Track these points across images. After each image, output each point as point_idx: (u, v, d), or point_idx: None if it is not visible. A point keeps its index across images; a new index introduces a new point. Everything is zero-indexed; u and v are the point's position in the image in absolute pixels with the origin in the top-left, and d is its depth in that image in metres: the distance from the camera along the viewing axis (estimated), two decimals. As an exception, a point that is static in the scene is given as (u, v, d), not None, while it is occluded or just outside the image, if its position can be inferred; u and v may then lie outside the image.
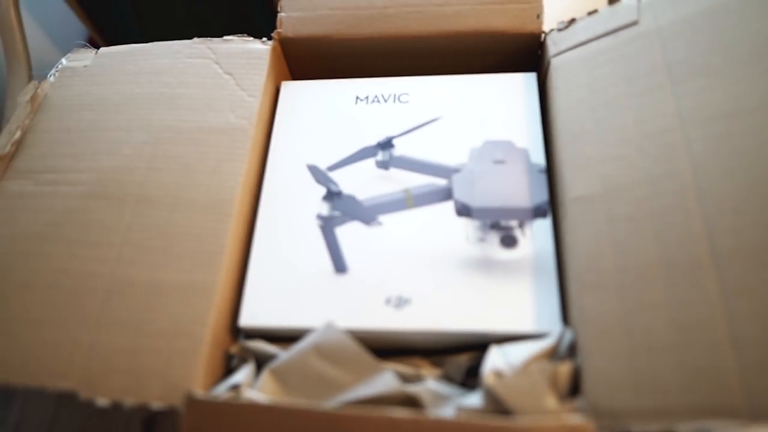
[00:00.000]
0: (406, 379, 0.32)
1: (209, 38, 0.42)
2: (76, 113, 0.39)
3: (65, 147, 0.38)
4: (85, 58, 0.43)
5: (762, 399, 0.24)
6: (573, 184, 0.33)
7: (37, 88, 0.41)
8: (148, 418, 0.44)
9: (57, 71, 0.42)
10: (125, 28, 0.79)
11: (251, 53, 0.41)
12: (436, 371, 0.33)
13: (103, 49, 0.43)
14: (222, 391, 0.31)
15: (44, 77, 0.43)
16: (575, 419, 0.26)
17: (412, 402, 0.30)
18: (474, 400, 0.29)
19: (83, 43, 0.44)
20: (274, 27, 0.43)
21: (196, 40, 0.42)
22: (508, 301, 0.32)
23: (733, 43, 0.31)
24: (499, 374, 0.29)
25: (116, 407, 0.30)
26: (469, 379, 0.33)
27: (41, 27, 0.83)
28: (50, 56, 0.81)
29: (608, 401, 0.27)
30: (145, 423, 0.44)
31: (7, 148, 0.38)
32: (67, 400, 0.46)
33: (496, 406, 0.28)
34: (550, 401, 0.28)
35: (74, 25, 0.88)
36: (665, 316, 0.27)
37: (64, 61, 0.43)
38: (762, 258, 0.26)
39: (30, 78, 0.59)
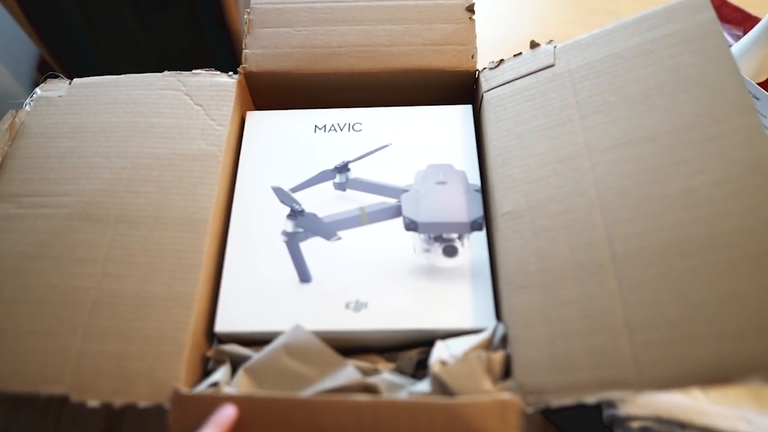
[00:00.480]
0: (365, 372, 0.37)
1: (179, 71, 0.46)
2: (54, 141, 0.42)
3: (46, 172, 0.41)
4: (58, 88, 0.46)
5: (648, 371, 0.30)
6: (503, 202, 0.39)
7: (14, 117, 0.43)
8: (111, 415, 0.46)
9: (32, 100, 0.45)
10: (82, 52, 0.81)
11: (219, 86, 0.45)
12: (391, 365, 0.38)
13: (76, 81, 0.46)
14: (202, 389, 0.35)
15: (2, 103, 0.45)
16: (506, 396, 0.32)
17: (371, 391, 0.35)
18: (423, 386, 0.34)
19: (54, 73, 0.47)
20: (230, 56, 0.47)
21: (166, 73, 0.46)
22: (450, 302, 0.38)
23: (626, 85, 0.38)
24: (443, 363, 0.34)
25: (104, 407, 0.33)
26: (419, 371, 0.38)
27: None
28: (3, 80, 0.81)
29: (532, 381, 0.33)
30: (108, 419, 0.46)
31: (-11, 174, 0.40)
32: (20, 403, 0.47)
33: (442, 389, 0.33)
34: (487, 383, 0.33)
35: (25, 45, 0.89)
36: (576, 308, 0.33)
37: (38, 90, 0.46)
38: (649, 259, 0.33)
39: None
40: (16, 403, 0.47)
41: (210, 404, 0.32)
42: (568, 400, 0.31)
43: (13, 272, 0.37)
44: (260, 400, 0.31)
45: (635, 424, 0.37)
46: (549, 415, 0.43)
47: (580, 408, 0.32)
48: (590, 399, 0.31)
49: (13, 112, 0.44)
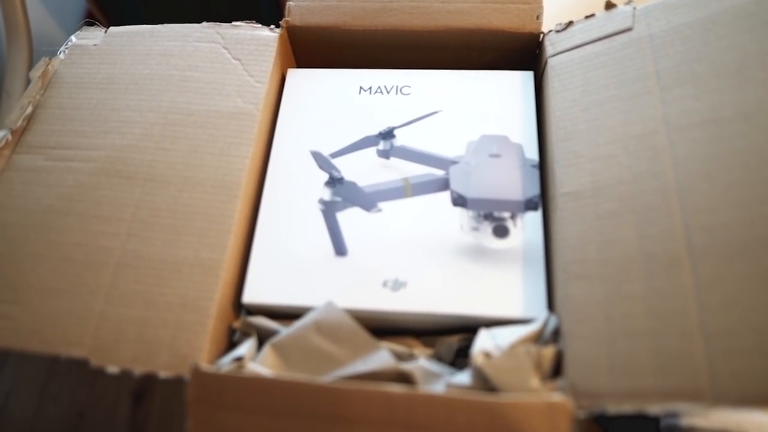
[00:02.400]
0: (399, 357, 0.34)
1: (218, 23, 0.43)
2: (86, 91, 0.40)
3: (76, 124, 0.39)
4: (94, 36, 0.44)
5: (725, 384, 0.26)
6: (564, 180, 0.35)
7: (47, 65, 0.42)
8: (136, 391, 0.46)
9: (67, 48, 0.43)
10: (126, 5, 0.79)
11: (259, 40, 0.42)
12: (428, 351, 0.35)
13: (112, 29, 0.44)
14: (226, 363, 0.32)
15: (43, 51, 0.43)
16: (556, 397, 0.28)
17: (405, 379, 0.32)
18: (463, 378, 0.31)
19: (91, 21, 0.45)
20: (276, 12, 0.44)
21: (205, 24, 0.43)
22: (497, 287, 0.34)
23: (719, 54, 0.33)
24: (487, 355, 0.31)
25: (101, 378, 0.32)
26: (459, 359, 0.35)
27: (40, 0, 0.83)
28: (49, 30, 0.80)
29: (586, 383, 0.29)
30: (134, 395, 0.46)
31: (19, 123, 0.39)
32: (56, 372, 0.47)
33: (484, 384, 0.30)
34: (534, 381, 0.30)
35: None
36: (642, 305, 0.30)
37: (73, 38, 0.44)
38: (732, 255, 0.28)
39: (30, 51, 0.60)
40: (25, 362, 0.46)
41: (229, 384, 0.29)
42: (627, 408, 0.28)
43: (38, 227, 0.35)
44: (282, 384, 0.29)
45: (697, 437, 0.33)
46: (599, 419, 0.40)
47: (637, 414, 0.29)
48: (654, 409, 0.27)
49: (47, 59, 0.42)
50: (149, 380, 0.44)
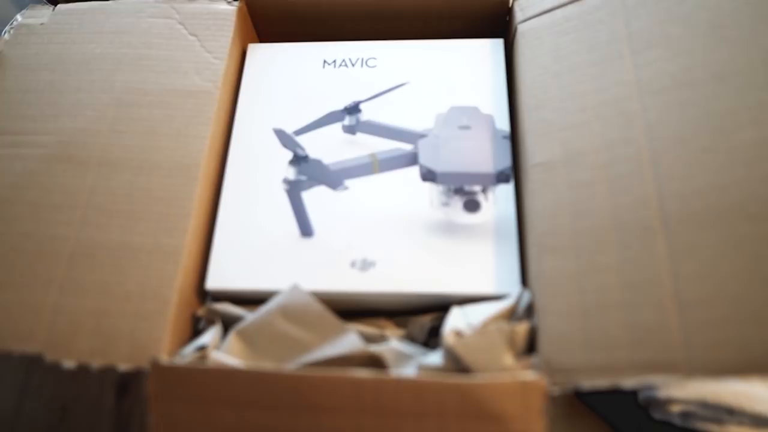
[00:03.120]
0: (370, 339, 0.33)
1: (173, -3, 0.41)
2: (34, 73, 0.38)
3: (24, 108, 0.37)
4: (41, 15, 0.41)
5: (700, 354, 0.26)
6: (535, 151, 0.34)
7: (-8, 46, 0.39)
8: (120, 383, 0.44)
9: (12, 28, 0.41)
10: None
11: (217, 14, 0.40)
12: (400, 331, 0.34)
13: (60, 6, 0.41)
14: (189, 352, 0.31)
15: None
16: (529, 376, 0.28)
17: (375, 362, 0.31)
18: (435, 358, 0.30)
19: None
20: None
21: (159, -2, 0.41)
22: (469, 264, 0.33)
23: (692, 13, 0.32)
24: (459, 334, 0.30)
25: (84, 370, 0.30)
26: (432, 339, 0.34)
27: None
28: (5, 10, 0.77)
29: (560, 358, 0.28)
30: (118, 387, 0.44)
31: (-37, 109, 0.37)
32: (37, 366, 0.46)
33: (456, 364, 0.29)
34: (507, 359, 0.29)
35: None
36: (616, 277, 0.29)
37: (19, 17, 0.41)
38: (707, 222, 0.27)
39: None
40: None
41: (192, 376, 0.28)
42: (602, 382, 0.27)
43: (-16, 218, 0.33)
44: (246, 374, 0.28)
45: (676, 408, 0.32)
46: (580, 393, 0.39)
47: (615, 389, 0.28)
48: (629, 382, 0.26)
49: (-10, 40, 0.40)
50: (133, 371, 0.43)
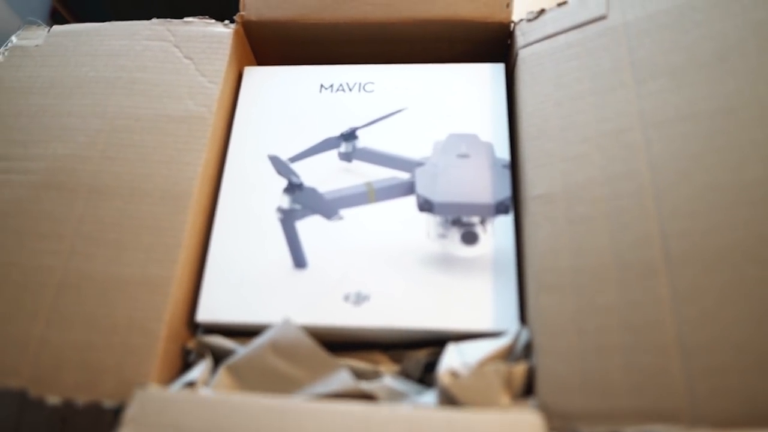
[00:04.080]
0: (363, 375, 0.32)
1: (168, 19, 0.40)
2: (26, 97, 0.38)
3: (14, 133, 0.36)
4: (36, 36, 0.41)
5: (704, 404, 0.25)
6: (535, 182, 0.33)
7: (-15, 69, 0.39)
8: None
9: (6, 50, 0.40)
10: (93, 1, 0.76)
11: (212, 37, 0.39)
12: (395, 366, 0.33)
13: (55, 28, 0.41)
14: (177, 388, 0.30)
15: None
16: (527, 415, 0.26)
17: (367, 399, 0.30)
18: (429, 398, 0.30)
19: (34, 20, 0.42)
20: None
21: (154, 21, 0.40)
22: (467, 299, 0.32)
23: (696, 43, 0.31)
24: (454, 374, 0.29)
25: (68, 405, 0.29)
26: (428, 374, 0.33)
27: (0, -6, 0.80)
28: (12, 27, 0.77)
29: (559, 402, 0.27)
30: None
31: (-46, 133, 0.36)
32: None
33: (451, 405, 0.28)
34: (504, 401, 0.28)
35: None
36: (616, 318, 0.28)
37: (14, 39, 0.41)
38: (713, 263, 0.26)
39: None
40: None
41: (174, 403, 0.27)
42: (601, 430, 0.26)
43: (-30, 247, 0.33)
44: (230, 403, 0.27)
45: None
46: None
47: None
48: (629, 431, 0.25)
49: (-16, 62, 0.39)
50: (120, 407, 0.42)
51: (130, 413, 0.27)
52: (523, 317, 0.32)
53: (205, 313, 0.33)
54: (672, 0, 0.32)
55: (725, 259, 0.26)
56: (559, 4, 0.37)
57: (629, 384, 0.26)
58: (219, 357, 0.33)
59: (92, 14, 0.78)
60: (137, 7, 0.76)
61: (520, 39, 0.38)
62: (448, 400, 0.28)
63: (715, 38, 0.30)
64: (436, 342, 0.33)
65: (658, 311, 0.27)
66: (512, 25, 0.39)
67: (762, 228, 0.26)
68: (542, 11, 0.38)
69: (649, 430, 0.25)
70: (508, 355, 0.30)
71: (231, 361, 0.31)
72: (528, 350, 0.30)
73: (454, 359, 0.30)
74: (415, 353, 0.33)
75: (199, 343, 0.33)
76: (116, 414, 0.37)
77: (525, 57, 0.37)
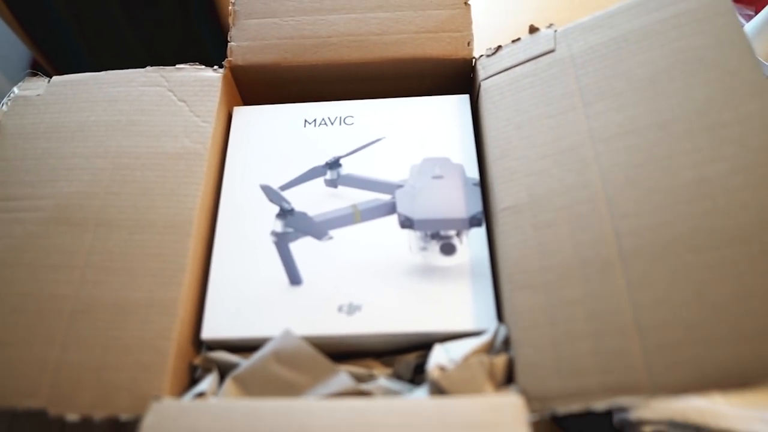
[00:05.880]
0: (359, 379, 0.35)
1: (162, 67, 0.44)
2: (31, 141, 0.40)
3: (22, 175, 0.39)
4: (37, 86, 0.44)
5: (661, 375, 0.28)
6: (502, 196, 0.37)
7: (-10, 118, 0.42)
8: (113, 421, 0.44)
9: (9, 100, 0.43)
10: (73, 53, 0.79)
11: (203, 81, 0.43)
12: (387, 371, 0.36)
13: (55, 79, 0.44)
14: (188, 399, 0.33)
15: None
16: (509, 396, 0.30)
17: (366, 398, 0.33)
18: (421, 393, 0.32)
19: (34, 71, 0.45)
20: (223, 48, 0.45)
21: (149, 68, 0.44)
22: (449, 303, 0.36)
23: (632, 69, 0.36)
24: (442, 368, 0.32)
25: (85, 421, 0.31)
26: (417, 376, 0.36)
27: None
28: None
29: (536, 386, 0.31)
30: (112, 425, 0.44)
31: (-37, 178, 0.39)
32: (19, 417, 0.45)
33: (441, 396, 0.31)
34: (489, 389, 0.31)
35: (17, 47, 0.87)
36: (582, 309, 0.31)
37: (16, 89, 0.44)
38: (660, 255, 0.30)
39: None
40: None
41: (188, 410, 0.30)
42: (575, 407, 0.29)
43: (-14, 281, 0.35)
44: (239, 409, 0.29)
45: (647, 429, 0.34)
46: (556, 418, 0.41)
47: (589, 412, 0.30)
48: (599, 405, 0.29)
49: (-11, 112, 0.42)
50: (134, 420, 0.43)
51: (149, 422, 0.30)
52: (500, 315, 0.35)
53: (209, 331, 0.36)
54: (608, 33, 0.38)
55: (670, 251, 0.30)
56: (514, 41, 0.42)
57: (596, 365, 0.30)
58: (224, 371, 0.35)
59: (73, 65, 0.81)
60: (117, 57, 0.79)
61: (482, 72, 0.43)
62: (438, 392, 0.32)
63: (647, 64, 0.35)
64: (423, 346, 0.36)
65: (617, 300, 0.31)
66: (474, 60, 0.44)
67: (695, 222, 0.30)
68: (499, 47, 0.43)
69: (616, 402, 0.29)
70: (490, 349, 0.33)
71: (236, 372, 0.34)
72: (507, 344, 0.33)
73: (441, 357, 0.33)
74: (405, 357, 0.36)
75: (205, 359, 0.36)
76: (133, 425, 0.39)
77: (487, 88, 0.42)
